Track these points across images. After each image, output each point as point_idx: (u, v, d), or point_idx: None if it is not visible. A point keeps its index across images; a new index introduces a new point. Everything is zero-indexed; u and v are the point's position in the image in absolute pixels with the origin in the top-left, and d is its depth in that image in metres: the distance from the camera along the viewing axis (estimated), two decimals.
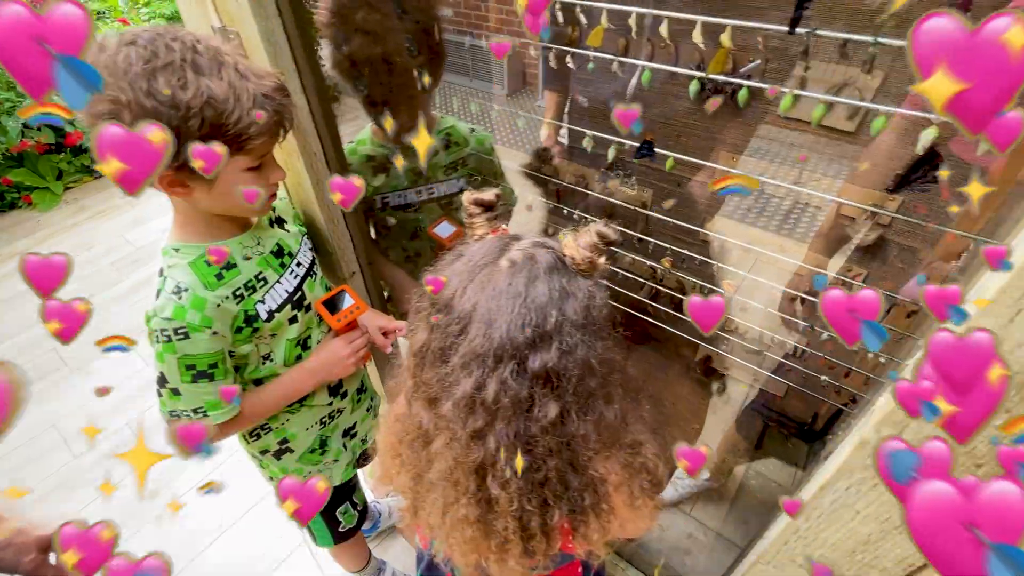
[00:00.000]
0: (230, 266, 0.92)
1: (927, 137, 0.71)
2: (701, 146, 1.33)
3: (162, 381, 0.87)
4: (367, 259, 1.29)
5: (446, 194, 1.25)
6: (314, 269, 1.09)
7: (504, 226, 0.72)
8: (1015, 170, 0.87)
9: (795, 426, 1.69)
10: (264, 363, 1.00)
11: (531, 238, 0.67)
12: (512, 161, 1.43)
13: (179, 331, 0.83)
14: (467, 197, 0.71)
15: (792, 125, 1.18)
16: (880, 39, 0.70)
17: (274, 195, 0.95)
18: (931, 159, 0.72)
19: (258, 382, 1.00)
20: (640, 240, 1.38)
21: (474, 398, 0.57)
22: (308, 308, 1.05)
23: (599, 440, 0.63)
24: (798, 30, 0.70)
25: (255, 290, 0.95)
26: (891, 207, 1.14)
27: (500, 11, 4.88)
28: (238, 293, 0.92)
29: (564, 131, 1.28)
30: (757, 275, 1.38)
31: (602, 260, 0.64)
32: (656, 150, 1.10)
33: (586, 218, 1.35)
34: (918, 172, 0.74)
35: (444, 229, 1.19)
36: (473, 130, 1.28)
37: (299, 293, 1.02)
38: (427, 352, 0.62)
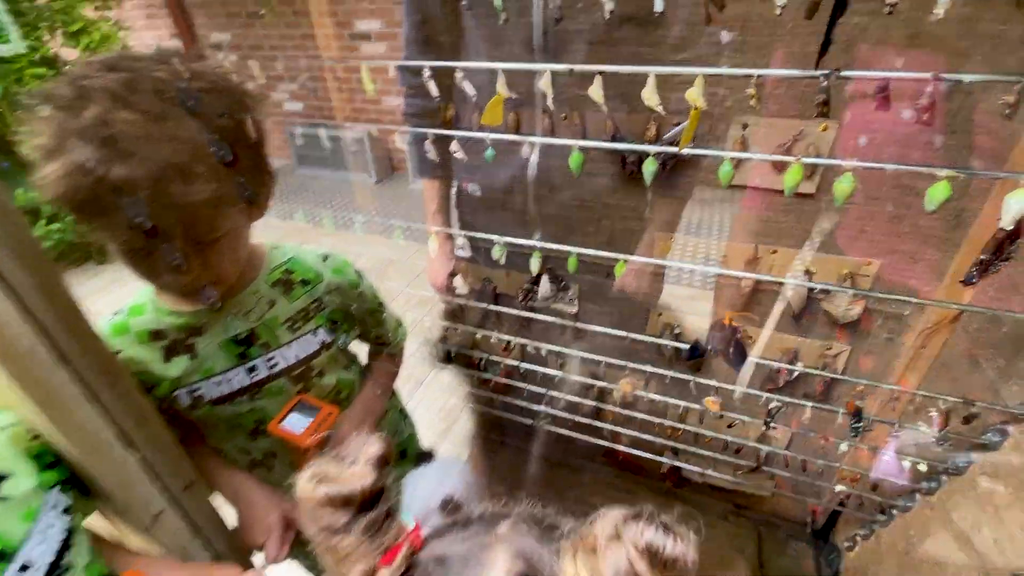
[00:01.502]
0: None
1: (1020, 205, 0.47)
2: (628, 228, 1.07)
3: None
4: (184, 482, 0.80)
5: (298, 360, 0.83)
6: (63, 563, 0.60)
7: (411, 521, 0.32)
8: None
9: (791, 526, 1.42)
10: None
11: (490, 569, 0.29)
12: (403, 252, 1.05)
13: None
14: (306, 491, 0.30)
15: (735, 193, 0.96)
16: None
17: None
18: (1017, 233, 0.48)
19: None
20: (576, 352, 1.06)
21: None
22: None
23: None
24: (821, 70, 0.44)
25: None
26: (869, 272, 0.95)
27: (354, 100, 4.66)
28: None
29: (462, 240, 0.94)
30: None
31: None
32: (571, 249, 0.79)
33: (507, 342, 1.00)
34: (1001, 251, 0.50)
35: (297, 423, 0.75)
36: (326, 258, 0.88)
37: None
38: None
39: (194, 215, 0.61)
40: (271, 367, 0.79)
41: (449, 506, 0.41)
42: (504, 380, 1.12)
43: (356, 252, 3.30)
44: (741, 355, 0.72)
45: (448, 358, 0.93)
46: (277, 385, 0.80)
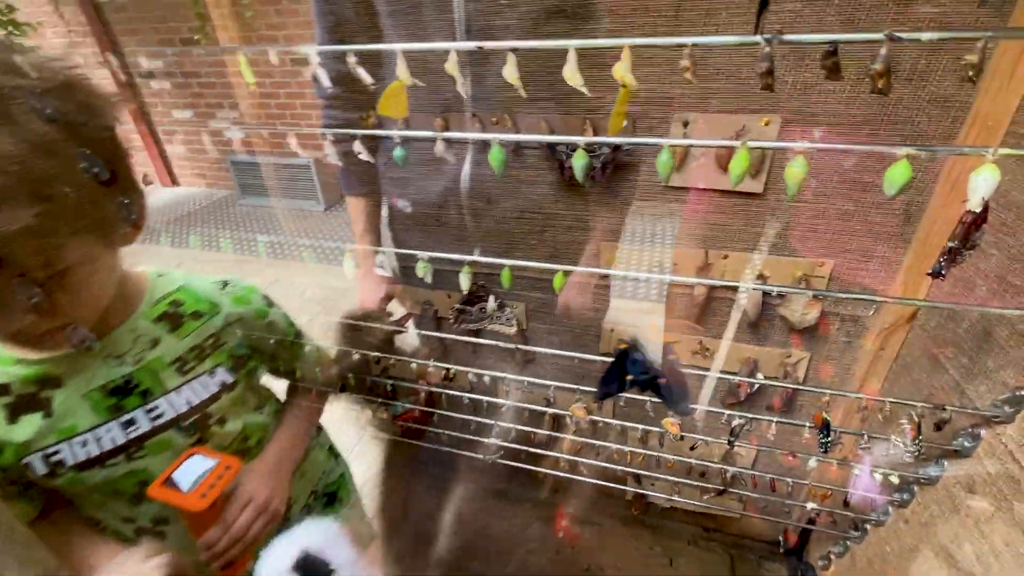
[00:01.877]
0: None
1: (988, 183, 0.41)
2: (573, 239, 1.00)
3: None
4: (38, 572, 0.65)
5: (191, 407, 0.70)
6: None
7: None
8: None
9: (763, 547, 1.35)
10: None
11: None
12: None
13: None
14: None
15: (680, 196, 0.91)
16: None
17: None
18: (984, 217, 0.43)
19: None
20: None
21: None
22: None
23: None
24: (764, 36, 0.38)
25: None
26: (823, 274, 0.90)
27: (299, 126, 4.51)
28: None
29: (384, 258, 0.84)
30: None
31: None
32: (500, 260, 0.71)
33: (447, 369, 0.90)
34: (968, 237, 0.45)
35: (186, 481, 0.62)
36: (226, 284, 0.76)
37: None
38: None
39: (20, 247, 0.48)
40: (154, 418, 0.66)
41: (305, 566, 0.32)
42: (444, 412, 1.01)
43: (305, 283, 3.12)
44: (679, 387, 0.57)
45: (344, 388, 0.82)
46: (163, 439, 0.66)
